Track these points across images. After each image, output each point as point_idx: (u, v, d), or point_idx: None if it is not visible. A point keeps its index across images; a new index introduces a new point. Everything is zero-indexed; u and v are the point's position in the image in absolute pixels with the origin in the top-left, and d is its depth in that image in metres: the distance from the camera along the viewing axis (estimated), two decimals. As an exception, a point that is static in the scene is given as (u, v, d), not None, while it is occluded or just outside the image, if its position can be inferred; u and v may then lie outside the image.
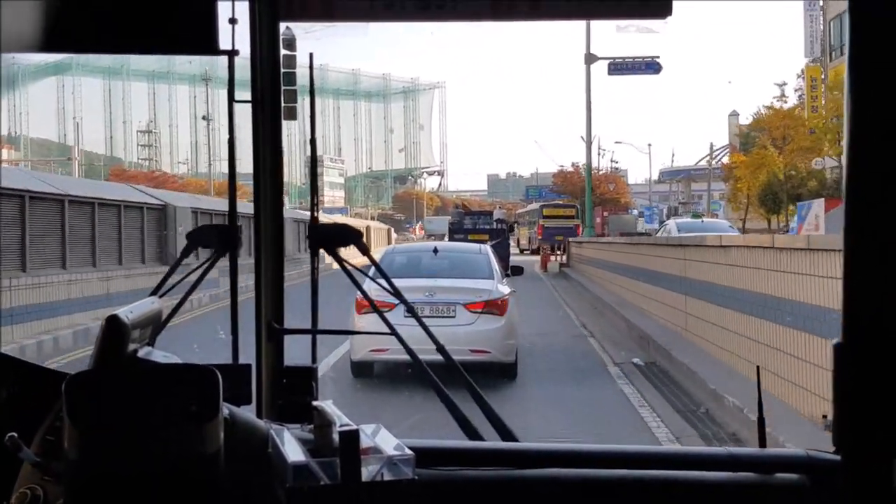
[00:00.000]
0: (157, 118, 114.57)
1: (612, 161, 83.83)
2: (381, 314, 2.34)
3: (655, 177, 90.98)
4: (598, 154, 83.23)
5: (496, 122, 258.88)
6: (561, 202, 55.95)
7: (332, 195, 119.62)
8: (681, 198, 79.60)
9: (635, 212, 71.99)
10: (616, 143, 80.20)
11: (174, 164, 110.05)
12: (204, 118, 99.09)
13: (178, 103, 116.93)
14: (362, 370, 11.18)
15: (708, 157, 74.29)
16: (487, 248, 13.60)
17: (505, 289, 11.72)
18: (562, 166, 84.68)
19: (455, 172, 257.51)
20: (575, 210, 46.07)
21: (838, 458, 1.79)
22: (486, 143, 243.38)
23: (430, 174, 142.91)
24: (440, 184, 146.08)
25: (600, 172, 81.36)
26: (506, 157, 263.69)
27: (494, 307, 11.16)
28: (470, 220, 35.24)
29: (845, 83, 1.67)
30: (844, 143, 1.65)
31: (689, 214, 61.69)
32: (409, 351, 2.32)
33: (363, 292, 2.43)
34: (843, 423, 1.71)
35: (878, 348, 1.64)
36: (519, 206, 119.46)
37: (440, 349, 2.40)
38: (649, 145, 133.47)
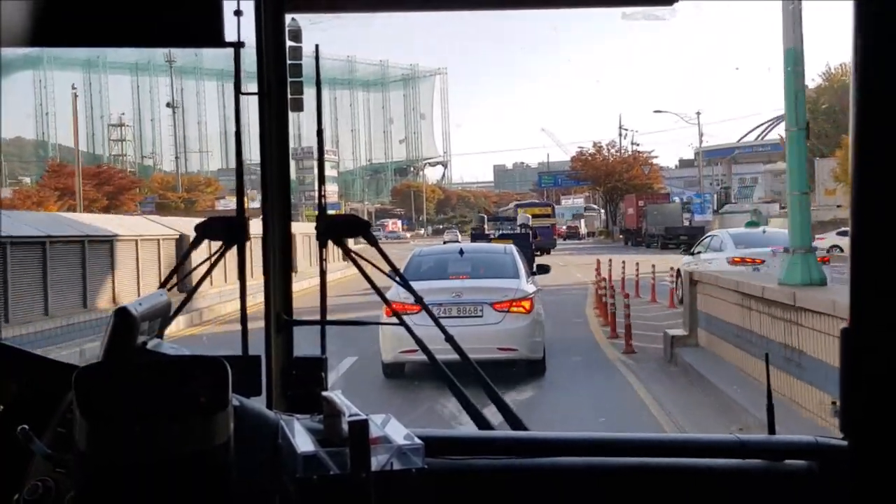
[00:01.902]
0: (139, 111, 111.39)
1: (633, 143, 73.12)
2: (399, 316, 2.41)
3: (686, 157, 79.78)
4: (620, 135, 73.29)
5: (501, 109, 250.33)
6: (537, 201, 54.50)
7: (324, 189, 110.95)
8: (722, 182, 68.73)
9: (675, 199, 61.34)
10: (655, 111, 67.03)
11: (144, 160, 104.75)
12: (168, 105, 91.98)
13: (159, 96, 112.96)
14: (394, 371, 11.33)
15: (766, 127, 63.14)
16: (513, 247, 13.62)
17: (531, 287, 11.89)
18: (581, 148, 74.34)
19: (459, 164, 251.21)
20: (551, 209, 44.43)
21: (846, 443, 1.80)
22: (491, 133, 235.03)
23: (433, 165, 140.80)
24: (444, 175, 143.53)
25: (627, 154, 71.02)
26: (513, 146, 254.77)
27: (521, 305, 11.24)
28: (493, 226, 34.65)
29: (851, 80, 1.68)
30: (850, 135, 1.65)
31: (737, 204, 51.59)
32: (421, 344, 2.38)
33: (376, 288, 2.41)
34: (851, 409, 1.70)
35: (886, 333, 1.64)
36: (529, 196, 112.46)
37: (448, 339, 2.43)
38: (698, 113, 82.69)
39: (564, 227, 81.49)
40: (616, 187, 69.97)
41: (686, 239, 43.86)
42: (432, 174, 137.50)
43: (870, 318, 1.68)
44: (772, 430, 2.11)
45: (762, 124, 64.82)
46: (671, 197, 62.48)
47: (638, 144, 74.61)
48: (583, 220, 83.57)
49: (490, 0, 2.26)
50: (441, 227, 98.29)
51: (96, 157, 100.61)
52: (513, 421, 2.26)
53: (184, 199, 78.81)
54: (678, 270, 19.52)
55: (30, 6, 2.00)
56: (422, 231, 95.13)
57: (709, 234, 22.62)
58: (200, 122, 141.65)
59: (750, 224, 24.14)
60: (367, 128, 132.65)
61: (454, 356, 2.39)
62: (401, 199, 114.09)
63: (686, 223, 52.00)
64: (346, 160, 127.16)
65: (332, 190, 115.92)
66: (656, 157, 75.82)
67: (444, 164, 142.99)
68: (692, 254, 21.44)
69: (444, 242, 63.69)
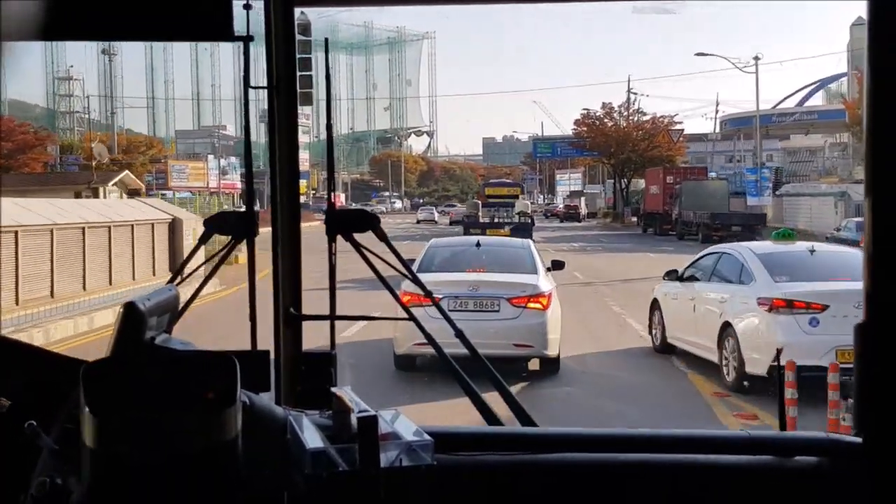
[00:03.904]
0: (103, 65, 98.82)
1: (637, 109, 60.34)
2: (408, 311, 2.40)
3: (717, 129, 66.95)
4: (628, 99, 61.13)
5: (492, 78, 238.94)
6: (507, 181, 52.43)
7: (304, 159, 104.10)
8: (755, 156, 56.45)
9: (713, 174, 48.89)
10: (697, 55, 52.72)
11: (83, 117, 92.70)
12: (104, 52, 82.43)
13: (122, 47, 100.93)
14: (406, 363, 11.28)
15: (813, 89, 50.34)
16: (530, 242, 13.62)
17: (549, 283, 11.72)
18: (586, 110, 61.96)
19: (446, 135, 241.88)
20: (519, 190, 41.31)
21: (860, 440, 1.83)
22: (481, 103, 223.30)
23: (419, 135, 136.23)
24: (430, 145, 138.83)
25: (643, 119, 58.74)
26: (503, 118, 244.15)
27: (538, 301, 11.11)
28: (487, 213, 32.57)
29: (865, 81, 1.72)
30: (864, 133, 1.68)
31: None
32: (430, 338, 2.40)
33: (384, 281, 2.43)
34: (866, 406, 1.74)
35: None
36: (519, 170, 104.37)
37: (458, 334, 2.43)
38: (756, 58, 50.75)
39: (562, 207, 71.14)
40: (629, 159, 57.73)
41: (739, 231, 32.71)
42: (418, 144, 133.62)
43: (886, 316, 1.64)
44: (783, 427, 2.18)
45: (810, 85, 52.87)
46: (708, 173, 50.03)
47: (643, 112, 61.62)
48: (583, 199, 71.62)
49: None
50: (420, 201, 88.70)
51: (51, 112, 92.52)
52: (522, 417, 2.27)
53: (116, 161, 68.16)
54: (652, 303, 13.85)
55: (39, 1, 2.00)
56: (398, 204, 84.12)
57: (714, 250, 13.62)
58: (168, 81, 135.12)
59: (781, 236, 13.66)
60: (348, 93, 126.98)
61: (465, 351, 2.41)
62: (379, 168, 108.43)
63: (732, 209, 39.83)
64: (324, 127, 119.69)
65: (303, 157, 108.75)
66: (680, 122, 62.80)
67: (431, 134, 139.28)
68: (680, 278, 13.36)
69: (418, 222, 54.36)
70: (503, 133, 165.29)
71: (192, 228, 20.43)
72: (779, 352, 10.17)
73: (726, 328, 11.31)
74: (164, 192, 56.42)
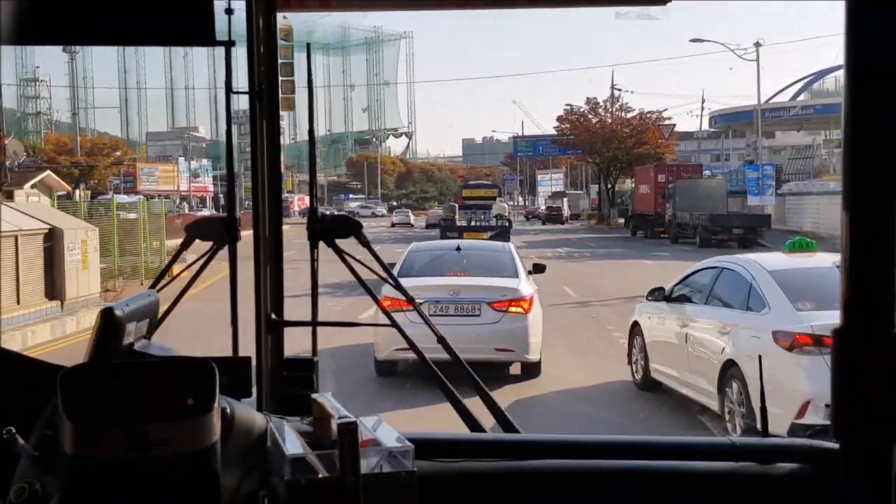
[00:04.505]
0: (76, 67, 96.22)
1: (624, 104, 57.26)
2: (389, 315, 2.48)
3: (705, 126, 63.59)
4: (612, 97, 58.33)
5: (472, 78, 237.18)
6: (485, 182, 50.29)
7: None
8: (747, 154, 53.52)
9: (707, 173, 46.00)
10: (692, 41, 48.83)
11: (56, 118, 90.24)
12: (64, 50, 79.63)
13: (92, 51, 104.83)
14: (387, 369, 11.06)
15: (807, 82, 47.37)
16: (511, 245, 13.52)
17: (530, 287, 11.47)
18: (570, 105, 59.02)
19: (426, 136, 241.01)
20: (497, 192, 39.58)
21: (838, 446, 1.82)
22: (460, 104, 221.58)
23: (397, 136, 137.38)
24: (408, 147, 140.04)
25: (629, 115, 55.92)
26: (483, 119, 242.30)
27: (519, 305, 10.92)
28: (464, 216, 31.83)
29: (844, 81, 1.73)
30: (843, 135, 1.69)
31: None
32: (412, 344, 2.44)
33: (367, 288, 2.45)
34: (843, 412, 1.72)
35: (878, 335, 1.65)
36: (499, 171, 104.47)
37: (440, 340, 2.47)
38: (757, 44, 44.21)
39: (544, 209, 68.45)
40: (615, 157, 54.75)
41: (741, 234, 29.91)
42: (397, 146, 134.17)
43: (862, 320, 1.66)
44: (765, 433, 2.15)
45: (807, 77, 50.15)
46: (702, 170, 47.12)
47: (629, 109, 58.35)
48: (565, 200, 68.91)
49: (479, 0, 2.30)
50: (396, 203, 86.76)
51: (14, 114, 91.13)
52: (504, 423, 2.29)
53: (77, 164, 65.42)
54: (632, 327, 11.33)
55: (17, 5, 1.99)
56: (379, 209, 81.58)
57: (712, 264, 10.42)
58: (140, 83, 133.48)
59: (798, 246, 10.28)
60: (326, 94, 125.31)
61: (447, 356, 2.44)
62: (356, 170, 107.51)
63: (729, 209, 36.92)
64: (302, 128, 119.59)
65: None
66: (670, 118, 59.01)
67: (409, 136, 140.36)
68: (667, 298, 10.53)
69: (392, 225, 52.55)
70: (483, 134, 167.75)
71: (82, 240, 16.75)
72: (805, 406, 7.65)
73: (730, 368, 8.57)
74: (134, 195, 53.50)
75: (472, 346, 9.83)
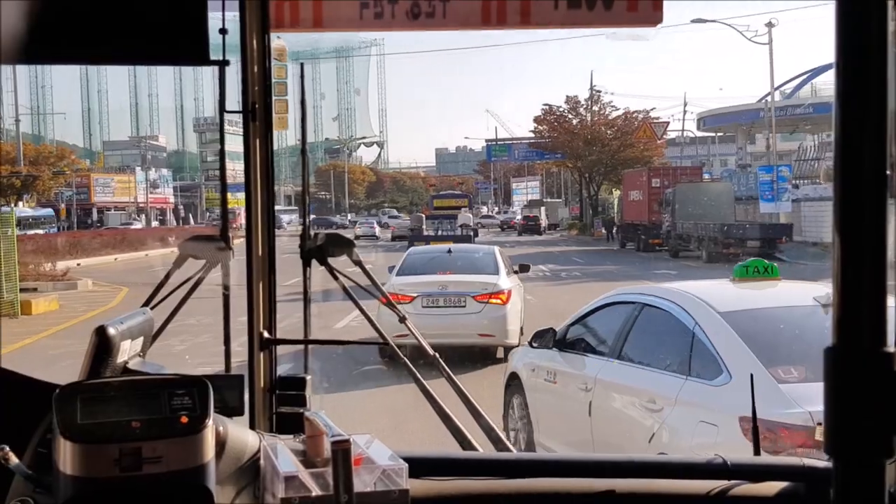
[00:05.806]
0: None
1: (608, 102, 53.17)
2: (394, 307, 2.57)
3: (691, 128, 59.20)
4: (591, 98, 54.17)
5: (443, 86, 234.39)
6: (456, 192, 51.63)
7: (232, 168, 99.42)
8: (740, 158, 49.45)
9: (707, 175, 41.80)
10: (694, 21, 45.20)
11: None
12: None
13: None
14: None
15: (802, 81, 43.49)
16: (495, 248, 15.17)
17: (508, 282, 13.28)
18: (548, 105, 54.84)
19: (398, 145, 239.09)
20: (467, 201, 40.17)
21: (831, 465, 1.81)
22: (432, 113, 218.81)
23: (368, 145, 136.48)
24: (380, 156, 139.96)
25: (612, 115, 51.89)
26: (456, 128, 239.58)
27: (498, 298, 12.69)
28: (431, 225, 33.54)
29: (834, 84, 1.65)
30: (834, 148, 1.61)
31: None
32: (397, 355, 2.55)
33: (360, 307, 2.50)
34: (835, 429, 1.68)
35: (870, 351, 1.60)
36: (472, 180, 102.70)
37: (434, 358, 2.56)
38: (769, 24, 38.89)
39: (520, 219, 64.12)
40: (598, 161, 50.40)
41: (758, 247, 25.47)
42: (368, 155, 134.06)
43: (855, 337, 1.61)
44: (757, 452, 2.19)
45: (803, 74, 46.27)
46: (703, 173, 42.83)
47: (615, 107, 54.21)
48: (543, 209, 64.82)
49: (473, 21, 2.38)
50: (368, 213, 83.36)
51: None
52: (497, 441, 2.31)
53: (17, 174, 60.85)
54: (509, 380, 8.41)
55: (11, 24, 1.98)
56: (345, 219, 77.46)
57: (622, 298, 6.88)
58: (101, 91, 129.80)
59: (752, 272, 6.23)
60: (294, 102, 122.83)
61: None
62: (324, 181, 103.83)
63: (738, 218, 32.58)
64: (279, 140, 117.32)
65: (240, 168, 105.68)
66: (659, 118, 54.36)
67: (381, 145, 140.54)
68: (559, 343, 7.11)
69: (357, 237, 48.15)
70: (456, 143, 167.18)
71: None
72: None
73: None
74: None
75: (459, 332, 12.06)
